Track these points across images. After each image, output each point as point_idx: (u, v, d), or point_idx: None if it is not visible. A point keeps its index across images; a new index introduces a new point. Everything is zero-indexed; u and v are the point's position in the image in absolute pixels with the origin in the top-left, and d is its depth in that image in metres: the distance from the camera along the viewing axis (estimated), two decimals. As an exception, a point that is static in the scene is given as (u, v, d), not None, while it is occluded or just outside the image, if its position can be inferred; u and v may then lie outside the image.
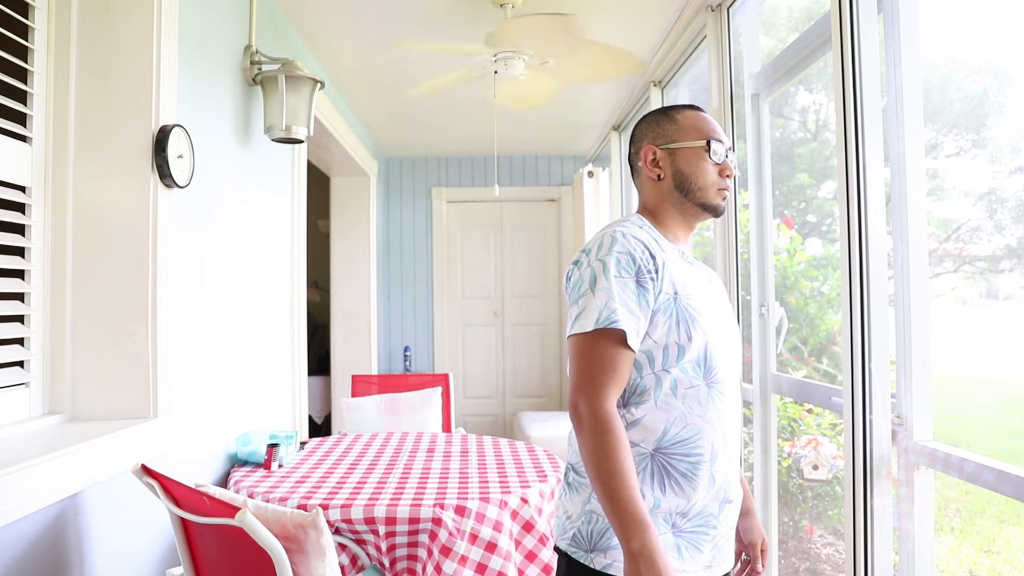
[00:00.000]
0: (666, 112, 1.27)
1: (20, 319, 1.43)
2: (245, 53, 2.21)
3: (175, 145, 1.60)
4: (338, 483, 1.83)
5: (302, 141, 2.30)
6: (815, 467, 2.57)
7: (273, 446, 2.01)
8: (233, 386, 2.10)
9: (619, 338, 1.08)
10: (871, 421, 1.50)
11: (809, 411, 2.74)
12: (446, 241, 5.15)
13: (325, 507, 1.63)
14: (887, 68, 1.50)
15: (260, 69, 2.23)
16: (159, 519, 1.63)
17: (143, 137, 1.54)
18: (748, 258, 2.26)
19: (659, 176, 1.24)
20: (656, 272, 1.12)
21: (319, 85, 2.27)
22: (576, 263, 1.18)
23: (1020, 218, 1.73)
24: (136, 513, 1.55)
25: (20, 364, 1.42)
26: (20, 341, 1.42)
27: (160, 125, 1.56)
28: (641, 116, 1.26)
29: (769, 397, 2.19)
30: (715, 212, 1.24)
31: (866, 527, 1.50)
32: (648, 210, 1.27)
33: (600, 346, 1.09)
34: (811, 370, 2.88)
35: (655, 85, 3.21)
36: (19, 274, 1.42)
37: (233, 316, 2.10)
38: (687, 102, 3.25)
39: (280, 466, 2.02)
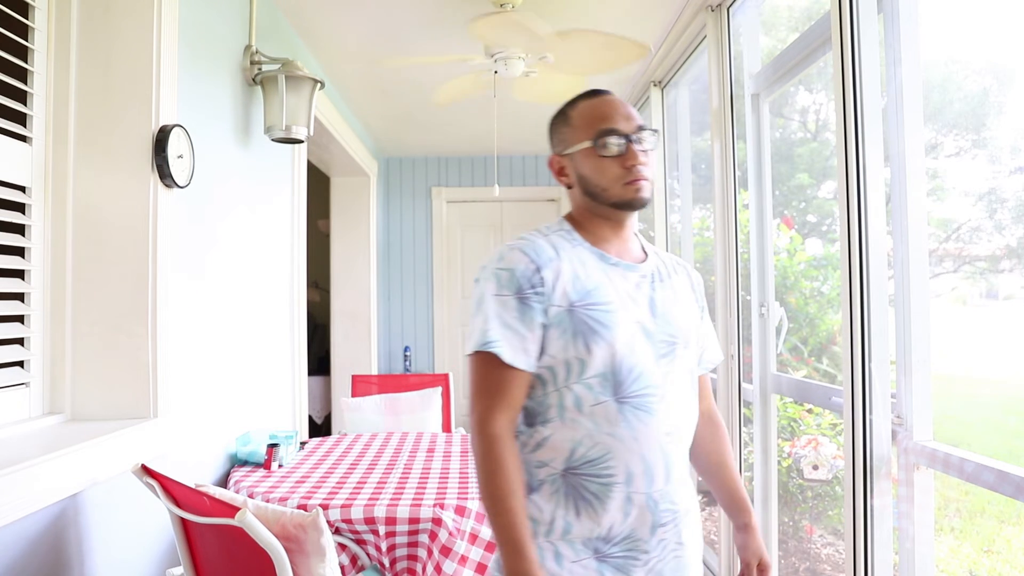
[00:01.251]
0: (563, 112, 1.19)
1: (20, 319, 1.43)
2: (245, 53, 2.21)
3: (175, 145, 1.60)
4: (338, 483, 1.83)
5: (302, 141, 2.30)
6: (815, 467, 2.57)
7: (273, 446, 2.01)
8: (233, 386, 2.10)
9: (496, 359, 1.04)
10: (871, 421, 1.50)
11: (809, 411, 2.74)
12: (446, 241, 5.15)
13: (325, 507, 1.63)
14: (887, 68, 1.50)
15: (260, 69, 2.23)
16: (159, 519, 1.63)
17: (143, 137, 1.54)
18: (748, 258, 2.26)
19: (568, 185, 1.18)
20: (543, 285, 1.06)
21: (319, 85, 2.27)
22: (476, 280, 1.13)
23: (1020, 218, 1.73)
24: (136, 513, 1.55)
25: (20, 364, 1.42)
26: (20, 341, 1.42)
27: (160, 125, 1.57)
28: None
29: (769, 397, 2.19)
30: (630, 207, 1.13)
31: (866, 527, 1.50)
32: (574, 216, 1.20)
33: (484, 368, 1.06)
34: (811, 370, 2.88)
35: (655, 85, 3.21)
36: (19, 274, 1.42)
37: (233, 316, 2.10)
38: (687, 104, 3.22)
39: (280, 466, 2.02)
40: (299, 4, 2.52)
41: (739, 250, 2.31)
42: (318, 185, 4.54)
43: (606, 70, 2.48)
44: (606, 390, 1.06)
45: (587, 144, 1.12)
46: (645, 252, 1.21)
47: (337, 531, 1.62)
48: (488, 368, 1.06)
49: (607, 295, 1.09)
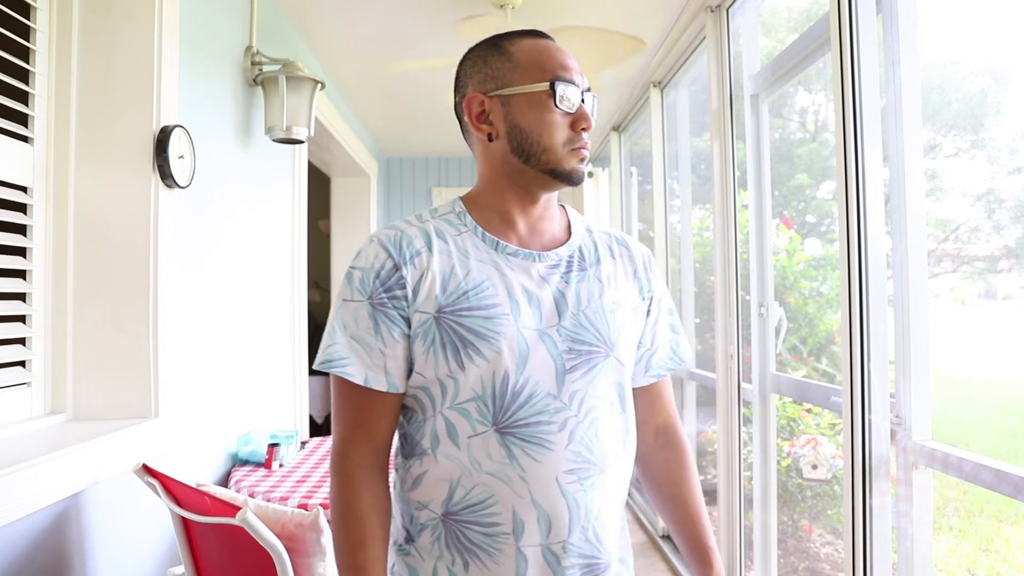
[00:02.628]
0: (496, 44, 0.92)
1: (22, 319, 1.43)
2: (246, 54, 2.21)
3: (176, 145, 1.60)
4: (338, 483, 1.83)
5: (303, 141, 2.31)
6: (814, 466, 2.57)
7: (274, 446, 2.01)
8: (234, 386, 2.11)
9: (346, 381, 0.87)
10: (870, 421, 1.50)
11: (808, 411, 2.75)
12: (446, 241, 5.15)
13: (326, 507, 1.63)
14: (886, 69, 1.51)
15: (261, 70, 2.24)
16: (160, 518, 1.64)
17: (144, 137, 1.55)
18: (747, 258, 2.26)
19: (490, 135, 0.91)
20: (403, 287, 0.86)
21: (320, 86, 2.27)
22: None
23: (1018, 218, 1.73)
24: (137, 512, 1.55)
25: (22, 364, 1.42)
26: (22, 341, 1.42)
27: (161, 125, 1.57)
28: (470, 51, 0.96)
29: (768, 397, 2.20)
30: (569, 180, 0.91)
31: (865, 526, 1.50)
32: (477, 188, 0.96)
33: (336, 390, 0.89)
34: (810, 370, 2.89)
35: (655, 86, 3.21)
36: (21, 274, 1.43)
37: (234, 316, 2.10)
38: (687, 105, 3.23)
39: (281, 465, 2.02)
40: (300, 5, 2.52)
41: (738, 250, 2.31)
42: (318, 185, 4.55)
43: (602, 67, 2.48)
44: (485, 418, 0.85)
45: (540, 88, 0.88)
46: (571, 231, 0.97)
47: (337, 530, 1.62)
48: (341, 391, 0.88)
49: (490, 296, 0.87)
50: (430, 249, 0.89)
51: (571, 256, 0.94)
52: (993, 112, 1.82)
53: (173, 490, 1.35)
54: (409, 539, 0.90)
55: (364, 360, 0.86)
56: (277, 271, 2.54)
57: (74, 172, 1.51)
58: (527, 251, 0.92)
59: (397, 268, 0.87)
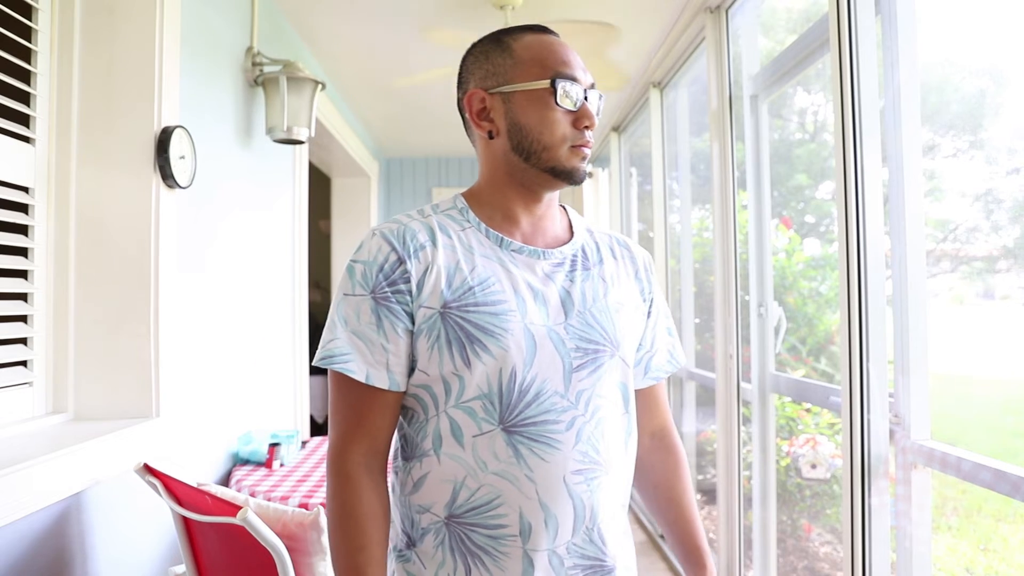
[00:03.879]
0: (498, 39, 0.91)
1: (23, 319, 1.43)
2: (247, 54, 2.22)
3: (177, 146, 1.61)
4: (339, 482, 1.84)
5: (303, 142, 2.31)
6: (813, 466, 2.58)
7: (275, 445, 2.02)
8: (235, 386, 2.11)
9: (346, 378, 0.84)
10: (869, 420, 1.51)
11: (807, 410, 2.75)
12: (446, 241, 5.15)
13: (326, 506, 1.64)
14: (885, 70, 1.51)
15: (262, 70, 2.24)
16: (161, 518, 1.64)
17: (145, 138, 1.55)
18: (747, 258, 2.27)
19: (491, 133, 0.90)
20: (407, 281, 0.84)
21: (320, 86, 2.28)
22: None
23: (1017, 219, 1.74)
24: (138, 512, 1.56)
25: (24, 364, 1.43)
26: (24, 341, 1.43)
27: (162, 126, 1.57)
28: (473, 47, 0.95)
29: (768, 396, 2.20)
30: (571, 179, 0.89)
31: (864, 526, 1.50)
32: (479, 184, 0.95)
33: (337, 388, 0.86)
34: (809, 370, 2.89)
35: (654, 86, 3.22)
36: (22, 274, 1.43)
37: (235, 316, 2.10)
38: (686, 105, 3.23)
39: (282, 465, 2.02)
40: (300, 6, 2.53)
41: (738, 250, 2.32)
42: (319, 186, 4.55)
43: (587, 59, 2.49)
44: (491, 416, 0.83)
45: (540, 85, 0.87)
46: (572, 231, 0.97)
47: (338, 530, 1.63)
48: (340, 388, 0.85)
49: (497, 292, 0.85)
50: (434, 243, 0.86)
51: (575, 255, 0.93)
52: (992, 113, 1.82)
53: (174, 489, 1.35)
54: (410, 544, 0.88)
55: (366, 356, 0.84)
56: (278, 271, 2.55)
57: (75, 172, 1.51)
58: (532, 248, 0.90)
59: (401, 261, 0.84)
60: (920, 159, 1.48)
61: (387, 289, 0.84)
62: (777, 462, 2.35)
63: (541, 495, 0.83)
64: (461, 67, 0.95)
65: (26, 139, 1.42)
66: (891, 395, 1.51)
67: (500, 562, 0.83)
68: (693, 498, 1.05)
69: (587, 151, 0.90)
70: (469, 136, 0.96)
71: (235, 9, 2.13)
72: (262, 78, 2.22)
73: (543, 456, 0.83)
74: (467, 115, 0.92)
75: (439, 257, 0.86)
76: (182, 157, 1.64)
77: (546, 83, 0.87)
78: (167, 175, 1.58)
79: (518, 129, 0.88)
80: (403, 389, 0.87)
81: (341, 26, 2.71)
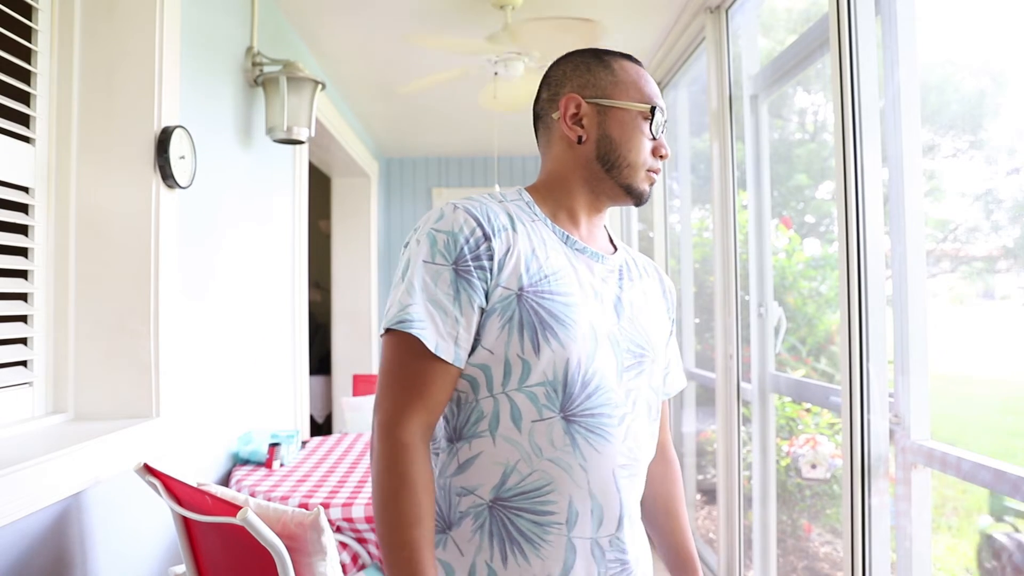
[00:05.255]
0: (600, 56, 0.96)
1: (24, 319, 1.43)
2: (247, 55, 2.22)
3: (177, 146, 1.61)
4: (339, 482, 1.84)
5: (303, 142, 2.32)
6: (813, 466, 2.58)
7: (275, 445, 2.02)
8: (235, 385, 2.11)
9: (418, 345, 0.82)
10: (869, 420, 1.51)
11: (807, 410, 2.75)
12: (446, 241, 5.15)
13: (326, 506, 1.64)
14: (885, 70, 1.51)
15: (262, 71, 2.24)
16: (161, 518, 1.64)
17: (145, 138, 1.55)
18: (747, 258, 2.27)
19: (580, 138, 0.94)
20: (491, 259, 0.84)
21: (320, 86, 2.28)
22: (406, 244, 0.91)
23: (1017, 219, 1.74)
24: (138, 512, 1.56)
25: (24, 364, 1.43)
26: (24, 341, 1.43)
27: (162, 126, 1.57)
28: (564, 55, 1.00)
29: (768, 396, 2.20)
30: (639, 200, 0.96)
31: (864, 525, 1.51)
32: (544, 182, 0.98)
33: (400, 354, 0.84)
34: (809, 370, 2.89)
35: (654, 86, 3.21)
36: (22, 274, 1.43)
37: (235, 316, 2.11)
38: (686, 105, 3.24)
39: (282, 465, 2.03)
40: (301, 6, 2.53)
41: (738, 250, 2.32)
42: (319, 186, 4.55)
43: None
44: (553, 403, 0.84)
45: (640, 108, 0.93)
46: (614, 245, 1.03)
47: (338, 530, 1.63)
48: (405, 355, 0.83)
49: (568, 284, 0.88)
50: (514, 228, 0.88)
51: (621, 266, 0.98)
52: (992, 113, 1.82)
53: (174, 489, 1.35)
54: (445, 527, 0.87)
55: (438, 327, 0.83)
56: (278, 271, 2.55)
57: (75, 172, 1.51)
58: (592, 250, 0.95)
59: (487, 238, 0.85)
60: (920, 159, 1.49)
61: (471, 263, 0.84)
62: (777, 462, 2.35)
63: (592, 485, 0.85)
64: (553, 72, 0.98)
65: (26, 139, 1.42)
66: (891, 395, 1.51)
67: (541, 550, 0.84)
68: (685, 508, 1.11)
69: (656, 178, 0.97)
70: (543, 135, 0.99)
71: (235, 9, 2.13)
72: (262, 78, 2.22)
73: (597, 447, 0.85)
74: (556, 115, 0.96)
75: (519, 241, 0.87)
76: (182, 157, 1.64)
77: (646, 108, 0.93)
78: (167, 175, 1.58)
79: (608, 141, 0.93)
80: (462, 366, 0.85)
81: (341, 26, 2.72)
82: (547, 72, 0.99)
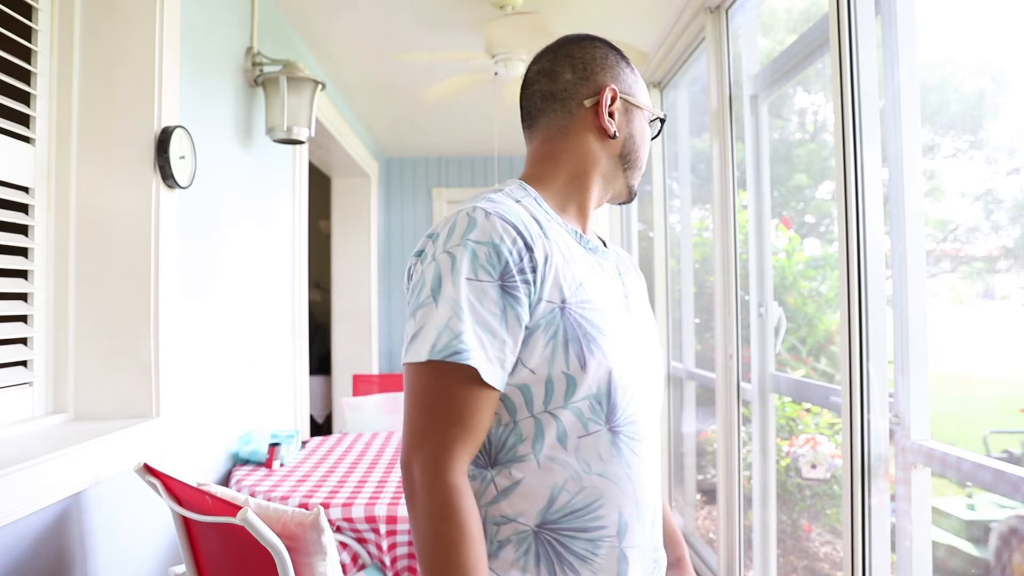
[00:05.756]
0: (619, 52, 0.93)
1: (24, 319, 1.43)
2: (247, 55, 2.22)
3: (177, 146, 1.61)
4: (339, 482, 1.84)
5: (303, 142, 2.32)
6: (813, 466, 2.58)
7: (275, 445, 2.02)
8: (235, 385, 2.11)
9: (469, 374, 0.74)
10: (869, 420, 1.51)
11: (807, 410, 2.75)
12: (446, 241, 5.14)
13: (326, 506, 1.64)
14: (885, 70, 1.51)
15: (262, 71, 2.24)
16: (161, 518, 1.64)
17: (145, 138, 1.55)
18: (747, 258, 2.27)
19: (615, 133, 0.90)
20: (534, 271, 0.77)
21: (320, 86, 2.28)
22: (419, 255, 0.82)
23: (1016, 219, 1.74)
24: (138, 512, 1.56)
25: (24, 364, 1.43)
26: (24, 341, 1.43)
27: (162, 126, 1.57)
28: (579, 36, 0.94)
29: (768, 396, 2.20)
30: (630, 200, 0.98)
31: (864, 525, 1.51)
32: (551, 173, 0.90)
33: (442, 384, 0.75)
34: (809, 370, 2.89)
35: (654, 86, 3.21)
36: (22, 274, 1.43)
37: (235, 316, 2.11)
38: (686, 105, 3.23)
39: (282, 465, 2.03)
40: (301, 6, 2.53)
41: (738, 250, 2.32)
42: (319, 186, 4.55)
43: None
44: (598, 416, 0.80)
45: (659, 114, 0.95)
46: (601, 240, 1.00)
47: (338, 530, 1.63)
48: (453, 385, 0.75)
49: (597, 289, 0.83)
50: (545, 234, 0.81)
51: (616, 261, 0.96)
52: (991, 113, 1.82)
53: (174, 489, 1.35)
54: None
55: (487, 351, 0.75)
56: (278, 271, 2.55)
57: (75, 172, 1.51)
58: (602, 249, 0.91)
59: (529, 248, 0.78)
60: (920, 159, 1.49)
61: (516, 277, 0.76)
62: (777, 462, 2.35)
63: (637, 491, 0.83)
64: (579, 52, 0.91)
65: (26, 139, 1.42)
66: (891, 395, 1.51)
67: (593, 565, 0.80)
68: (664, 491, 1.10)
69: None
70: (559, 118, 0.91)
71: (235, 9, 2.13)
72: (262, 78, 2.22)
73: (639, 452, 0.83)
74: (589, 103, 0.89)
75: (553, 248, 0.81)
76: (182, 157, 1.64)
77: (661, 114, 0.95)
78: (167, 175, 1.58)
79: (632, 141, 0.92)
80: (503, 389, 0.79)
81: (341, 26, 2.72)
82: (566, 50, 0.92)
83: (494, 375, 0.76)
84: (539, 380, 0.78)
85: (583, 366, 0.78)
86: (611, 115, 0.89)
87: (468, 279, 0.76)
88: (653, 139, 0.96)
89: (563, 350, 0.78)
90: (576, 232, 0.88)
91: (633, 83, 0.92)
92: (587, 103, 0.89)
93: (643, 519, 0.84)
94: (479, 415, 0.76)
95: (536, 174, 0.92)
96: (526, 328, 0.78)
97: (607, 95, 0.89)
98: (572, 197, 0.91)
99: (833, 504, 2.68)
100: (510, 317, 0.76)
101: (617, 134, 0.90)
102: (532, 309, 0.77)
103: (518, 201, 0.85)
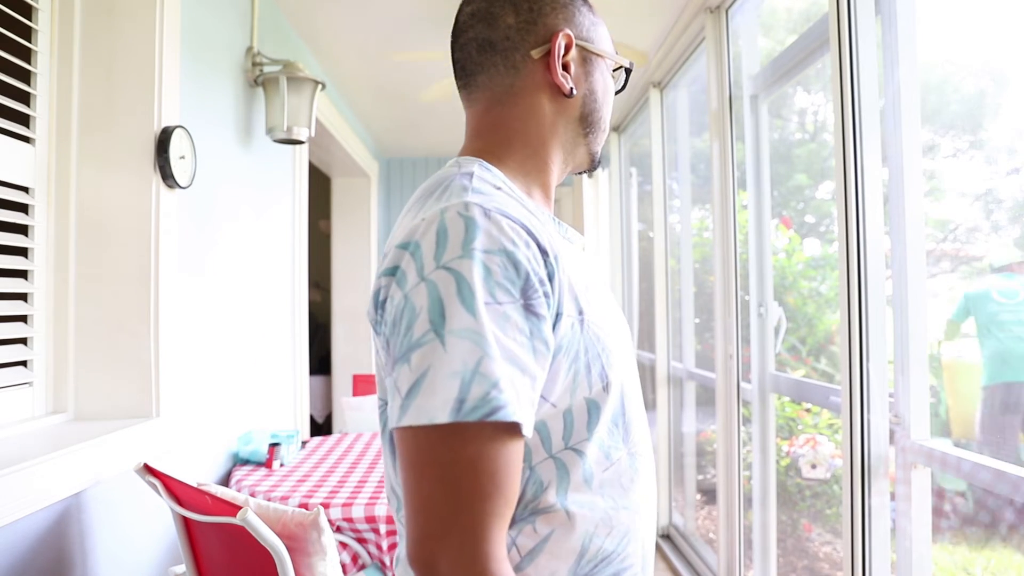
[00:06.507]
0: None
1: (24, 319, 1.43)
2: (247, 55, 2.22)
3: (177, 146, 1.61)
4: (339, 482, 1.84)
5: (303, 142, 2.32)
6: (813, 466, 2.58)
7: (275, 445, 2.02)
8: (235, 385, 2.11)
9: (506, 430, 0.56)
10: (869, 420, 1.51)
11: (807, 410, 2.76)
12: (446, 241, 5.14)
13: (326, 506, 1.64)
14: (885, 70, 1.51)
15: (262, 71, 2.24)
16: (161, 518, 1.64)
17: (145, 138, 1.55)
18: (747, 258, 2.27)
19: (572, 91, 0.71)
20: (551, 279, 0.60)
21: (320, 86, 2.28)
22: (392, 272, 0.60)
23: (1016, 219, 1.74)
24: (138, 512, 1.56)
25: (24, 364, 1.43)
26: (24, 341, 1.43)
27: (162, 126, 1.57)
28: None
29: (768, 397, 2.20)
30: (594, 168, 0.79)
31: (864, 525, 1.51)
32: (505, 147, 0.72)
33: (475, 450, 0.54)
34: (809, 370, 2.89)
35: (654, 86, 3.22)
36: (22, 274, 1.43)
37: (235, 316, 2.11)
38: (686, 105, 3.23)
39: (282, 465, 2.03)
40: (301, 6, 2.53)
41: (738, 250, 2.32)
42: (319, 186, 4.55)
43: None
44: (616, 441, 0.66)
45: (623, 62, 0.76)
46: None
47: (338, 529, 1.63)
48: (486, 451, 0.55)
49: (596, 289, 0.67)
50: (544, 228, 0.65)
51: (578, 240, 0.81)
52: (991, 113, 1.83)
53: (174, 489, 1.35)
54: None
55: (520, 394, 0.56)
56: (278, 271, 2.55)
57: (75, 172, 1.51)
58: (569, 233, 0.73)
59: (544, 252, 0.60)
60: (920, 159, 1.48)
61: (538, 289, 0.58)
62: (777, 462, 2.35)
63: (651, 513, 0.71)
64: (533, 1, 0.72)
65: (26, 139, 1.42)
66: (891, 395, 1.51)
67: None
68: None
69: None
70: (500, 75, 0.72)
71: (235, 9, 2.13)
72: (262, 78, 2.22)
73: (647, 468, 0.70)
74: (538, 53, 0.70)
75: (558, 246, 0.63)
76: (182, 157, 1.64)
77: (626, 62, 0.75)
78: (167, 175, 1.58)
79: (593, 98, 0.73)
80: None
81: (341, 26, 2.72)
82: None
83: (528, 421, 0.57)
84: (558, 414, 0.62)
85: (606, 387, 0.64)
86: (566, 68, 0.71)
87: (487, 303, 0.56)
88: (618, 93, 0.78)
89: (586, 373, 0.62)
90: (556, 220, 0.71)
91: (591, 25, 0.73)
92: (535, 54, 0.70)
93: (652, 543, 0.72)
94: (514, 474, 0.57)
95: (488, 149, 0.73)
96: (552, 353, 0.60)
97: (560, 43, 0.69)
98: (534, 176, 0.73)
99: (833, 504, 2.68)
100: (538, 345, 0.58)
101: (575, 91, 0.71)
102: (554, 327, 0.60)
103: (498, 188, 0.66)
